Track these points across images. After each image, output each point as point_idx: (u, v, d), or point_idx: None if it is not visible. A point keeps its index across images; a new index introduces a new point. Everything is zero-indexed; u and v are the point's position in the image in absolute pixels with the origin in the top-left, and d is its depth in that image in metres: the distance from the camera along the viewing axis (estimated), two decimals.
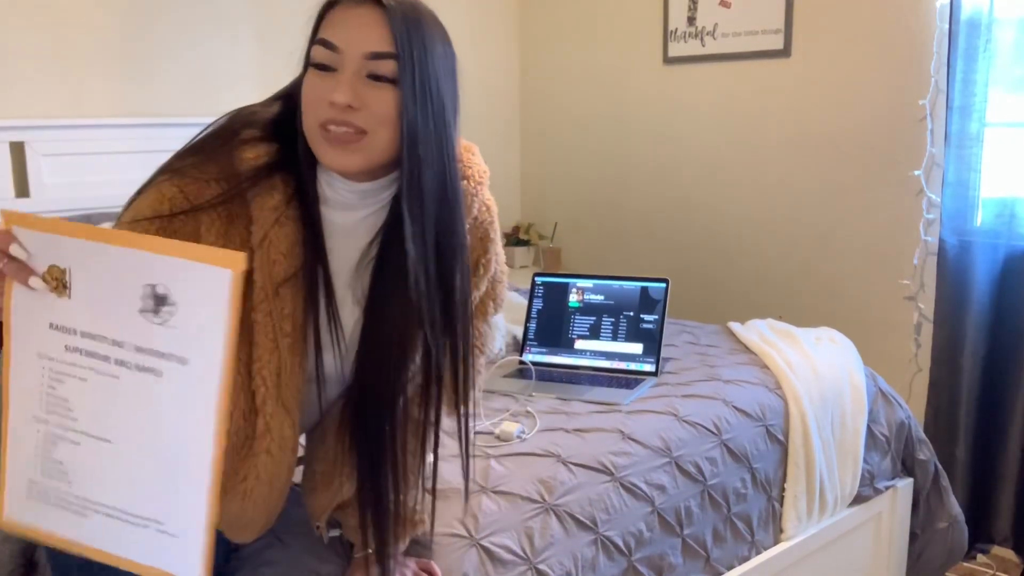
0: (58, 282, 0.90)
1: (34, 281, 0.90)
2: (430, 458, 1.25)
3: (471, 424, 1.22)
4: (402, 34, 1.04)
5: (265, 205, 1.09)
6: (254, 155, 1.09)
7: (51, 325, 0.91)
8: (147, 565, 0.92)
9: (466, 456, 1.22)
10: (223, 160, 1.09)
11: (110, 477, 0.91)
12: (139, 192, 1.10)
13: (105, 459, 0.91)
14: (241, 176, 1.09)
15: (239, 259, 0.86)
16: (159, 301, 0.88)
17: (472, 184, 1.21)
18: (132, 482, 0.91)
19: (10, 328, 0.91)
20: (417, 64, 1.04)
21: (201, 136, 1.13)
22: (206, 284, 0.87)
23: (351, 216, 1.14)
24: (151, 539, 0.92)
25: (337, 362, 1.18)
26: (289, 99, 1.13)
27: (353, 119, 1.03)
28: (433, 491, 1.25)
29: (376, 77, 1.04)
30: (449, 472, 1.40)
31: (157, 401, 0.89)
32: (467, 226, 1.21)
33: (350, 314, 1.18)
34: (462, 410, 1.21)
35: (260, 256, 1.08)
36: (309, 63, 1.07)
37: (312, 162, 1.10)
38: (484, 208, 1.24)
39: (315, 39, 1.07)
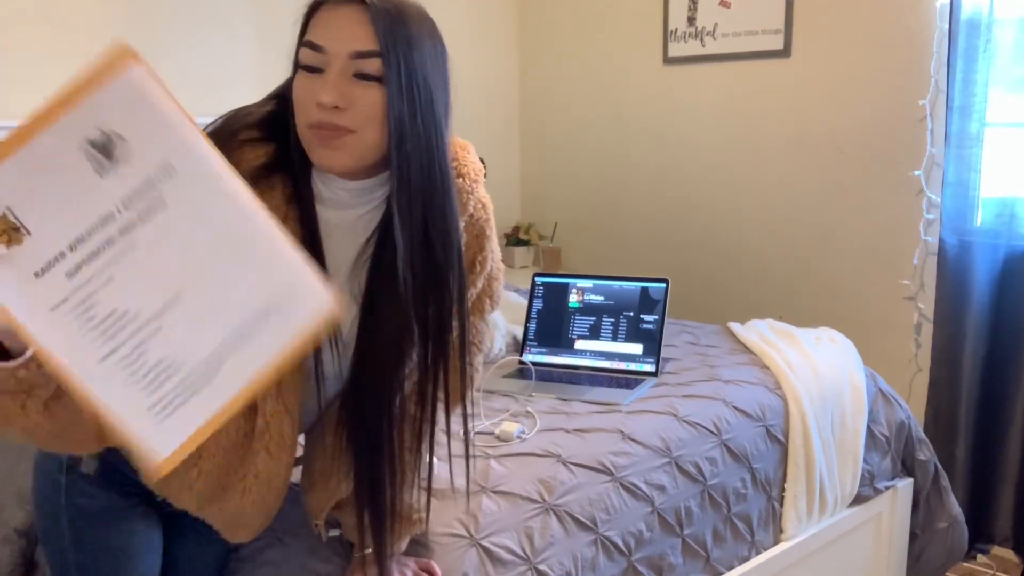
0: (7, 233, 0.79)
1: None
2: (427, 456, 1.25)
3: (471, 424, 1.22)
4: (386, 31, 1.03)
5: (267, 206, 1.09)
6: (254, 155, 1.09)
7: (37, 274, 0.81)
8: (292, 341, 0.88)
9: (467, 455, 1.22)
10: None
11: (209, 320, 0.86)
12: None
13: (192, 312, 0.85)
14: (243, 178, 1.09)
15: (123, 49, 0.80)
16: (104, 149, 0.80)
17: (468, 182, 1.21)
18: (226, 301, 0.86)
19: (5, 317, 0.80)
20: (403, 61, 1.04)
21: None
22: (126, 96, 0.80)
23: (347, 215, 1.14)
24: (279, 316, 0.87)
25: (335, 360, 1.18)
26: (282, 99, 1.13)
27: (339, 120, 1.03)
28: (428, 489, 1.25)
29: (362, 76, 1.04)
30: (447, 471, 1.40)
31: (183, 221, 0.84)
32: (463, 224, 1.22)
33: (347, 312, 1.18)
34: (463, 409, 1.21)
35: None
36: (297, 65, 1.07)
37: (306, 162, 1.11)
38: (480, 206, 1.24)
39: (302, 41, 1.07)
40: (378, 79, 1.04)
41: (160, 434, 0.85)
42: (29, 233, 0.79)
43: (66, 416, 0.94)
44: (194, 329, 0.85)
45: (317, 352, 1.14)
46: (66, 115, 0.79)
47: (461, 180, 1.20)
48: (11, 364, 0.86)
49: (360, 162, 1.07)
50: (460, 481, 1.38)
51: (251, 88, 2.79)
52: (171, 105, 0.82)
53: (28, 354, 0.86)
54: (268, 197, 1.09)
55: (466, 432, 1.21)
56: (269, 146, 1.11)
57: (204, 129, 1.12)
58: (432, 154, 1.09)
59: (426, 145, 1.08)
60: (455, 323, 1.16)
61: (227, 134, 1.11)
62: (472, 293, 1.27)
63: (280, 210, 1.09)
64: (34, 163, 0.78)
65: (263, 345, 0.88)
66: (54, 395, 0.91)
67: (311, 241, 1.12)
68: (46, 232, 0.79)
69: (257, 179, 1.09)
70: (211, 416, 0.87)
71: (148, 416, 0.84)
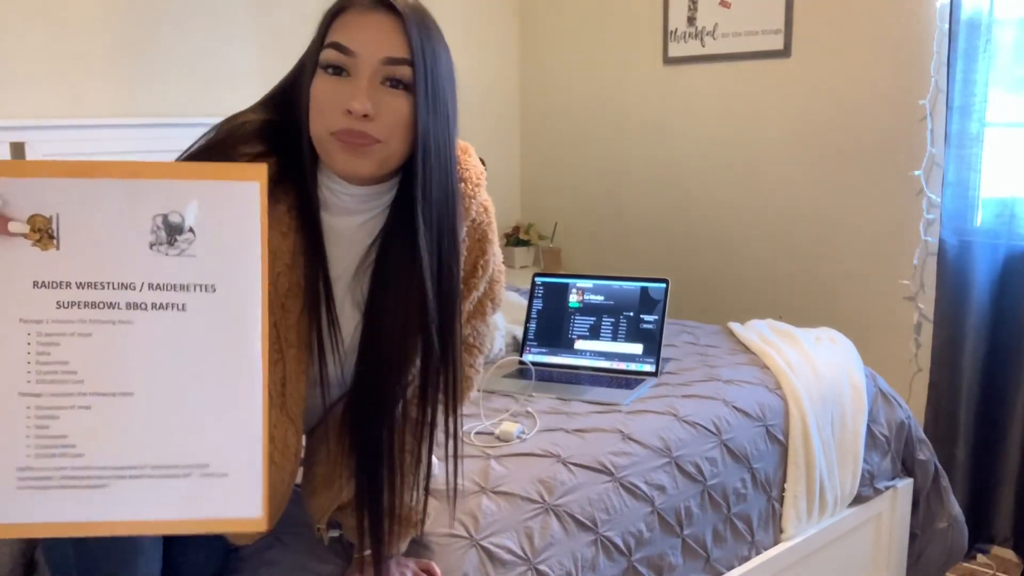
0: (42, 233, 0.79)
1: (14, 226, 0.79)
2: (427, 458, 1.25)
3: (460, 425, 1.22)
4: (417, 41, 1.04)
5: (272, 218, 1.08)
6: None
7: (36, 284, 0.80)
8: (192, 519, 0.84)
9: (454, 457, 1.21)
10: None
11: (135, 433, 0.82)
12: None
13: (127, 415, 0.82)
14: None
15: (261, 170, 0.81)
16: (173, 231, 0.80)
17: (470, 186, 1.20)
18: (164, 431, 0.82)
19: None
20: (429, 72, 1.05)
21: (196, 149, 1.11)
22: (231, 202, 0.80)
23: (351, 221, 1.14)
24: (195, 487, 0.83)
25: (337, 367, 1.18)
26: (283, 107, 1.11)
27: (368, 129, 1.03)
28: (426, 490, 1.25)
29: (392, 83, 1.04)
30: (449, 473, 1.40)
31: (186, 336, 0.82)
32: (465, 229, 1.21)
33: (349, 319, 1.18)
34: (454, 410, 1.21)
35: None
36: (318, 66, 1.05)
37: (315, 167, 1.10)
38: (482, 209, 1.24)
39: (324, 44, 1.05)
40: (405, 87, 1.04)
41: (13, 501, 0.81)
42: (58, 249, 0.79)
43: None
44: (119, 433, 0.82)
45: (322, 360, 1.14)
46: (167, 183, 0.79)
47: (463, 184, 1.19)
48: None
49: (382, 170, 1.07)
50: (461, 482, 1.38)
51: (251, 88, 2.80)
52: (259, 236, 0.81)
53: None
54: (272, 211, 1.08)
55: (456, 434, 1.21)
56: (271, 159, 1.09)
57: (198, 140, 1.10)
58: (446, 164, 1.10)
59: (445, 157, 1.09)
60: (451, 325, 1.16)
61: (225, 148, 1.09)
62: (473, 297, 1.27)
63: (282, 222, 1.09)
64: (108, 199, 0.79)
65: (169, 499, 0.83)
66: None
67: (314, 250, 1.11)
68: (71, 257, 0.79)
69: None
70: (60, 522, 0.82)
71: (9, 476, 0.81)
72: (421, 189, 1.07)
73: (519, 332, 2.28)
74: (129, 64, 2.69)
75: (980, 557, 2.62)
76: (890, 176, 2.74)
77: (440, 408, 1.20)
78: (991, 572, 2.57)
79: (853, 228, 2.85)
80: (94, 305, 0.80)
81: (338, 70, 1.04)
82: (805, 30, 2.88)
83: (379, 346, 1.13)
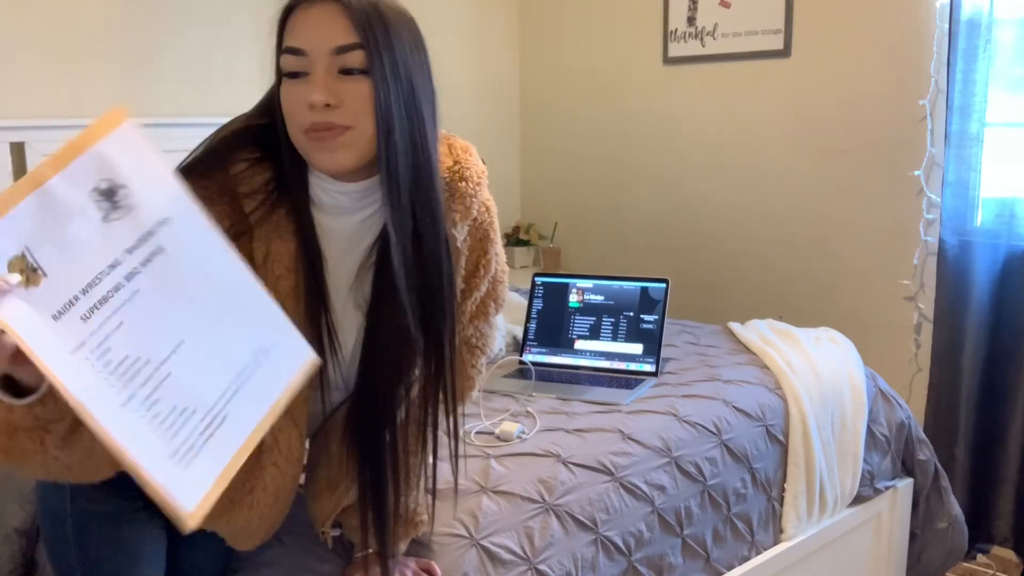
0: (26, 273, 0.79)
1: (9, 276, 0.77)
2: (430, 458, 1.25)
3: (461, 423, 1.21)
4: (363, 23, 1.02)
5: (267, 220, 1.08)
6: (253, 174, 1.08)
7: (55, 316, 0.80)
8: (283, 387, 0.95)
9: (455, 455, 1.21)
10: (225, 184, 1.08)
11: (209, 366, 0.89)
12: None
13: (193, 359, 0.87)
14: (247, 201, 1.08)
15: (118, 108, 0.85)
16: (110, 196, 0.83)
17: (471, 185, 1.19)
18: (221, 347, 0.90)
19: (30, 356, 0.78)
20: (384, 51, 1.03)
21: (194, 158, 1.10)
22: (123, 146, 0.84)
23: (349, 221, 1.13)
24: (268, 369, 0.93)
25: (337, 369, 1.17)
26: (272, 109, 1.11)
27: (333, 118, 1.02)
28: (433, 491, 1.25)
29: (347, 71, 1.03)
30: (450, 472, 1.40)
31: (178, 269, 0.87)
32: (467, 228, 1.21)
33: (352, 320, 1.17)
34: (454, 408, 1.21)
35: (264, 272, 1.07)
36: (281, 74, 1.06)
37: (303, 171, 1.09)
38: (483, 209, 1.24)
39: (281, 49, 1.06)
40: (363, 71, 1.03)
41: (185, 484, 0.85)
42: (46, 275, 0.80)
43: (83, 448, 0.93)
44: (199, 375, 0.88)
45: (324, 363, 1.13)
46: (75, 161, 0.82)
47: (464, 184, 1.18)
48: (28, 400, 0.86)
49: (361, 158, 1.06)
50: (461, 481, 1.38)
51: (251, 88, 2.78)
52: (159, 158, 0.86)
53: (44, 388, 0.85)
54: (273, 215, 1.08)
55: (456, 433, 1.21)
56: (268, 163, 1.09)
57: (198, 148, 1.12)
58: (416, 147, 1.07)
59: (411, 137, 1.06)
60: (445, 319, 1.15)
61: (223, 155, 1.09)
62: (476, 297, 1.26)
63: (283, 225, 1.08)
64: (49, 206, 0.80)
65: (260, 390, 0.92)
66: (71, 428, 0.91)
67: (309, 252, 1.10)
68: (61, 275, 0.80)
69: (265, 200, 1.08)
70: (227, 462, 0.89)
71: (171, 464, 0.84)
72: (385, 169, 1.05)
73: (519, 332, 2.28)
74: (129, 64, 2.69)
75: (980, 557, 2.62)
76: (890, 176, 2.74)
77: (441, 408, 1.20)
78: (991, 572, 2.57)
79: (853, 228, 2.85)
80: (105, 300, 0.83)
81: (296, 73, 1.04)
82: (805, 30, 2.88)
83: (381, 347, 1.13)
